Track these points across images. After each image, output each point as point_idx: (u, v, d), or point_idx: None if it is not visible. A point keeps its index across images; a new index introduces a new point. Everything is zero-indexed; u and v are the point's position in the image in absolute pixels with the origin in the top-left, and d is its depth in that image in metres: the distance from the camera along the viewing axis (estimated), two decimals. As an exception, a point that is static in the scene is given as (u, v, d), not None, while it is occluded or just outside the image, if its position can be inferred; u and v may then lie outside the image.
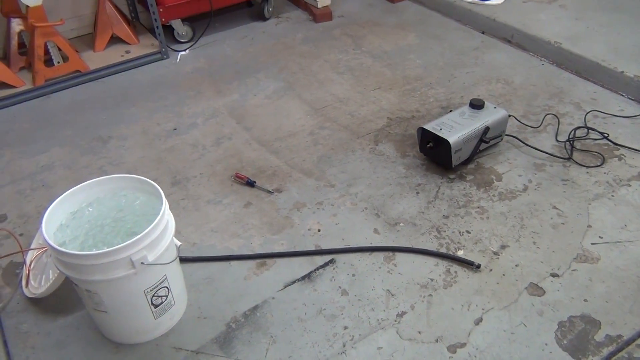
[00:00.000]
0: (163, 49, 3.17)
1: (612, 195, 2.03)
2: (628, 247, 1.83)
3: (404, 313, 1.64)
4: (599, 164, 2.19)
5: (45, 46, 2.89)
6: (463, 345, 1.55)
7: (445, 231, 1.92)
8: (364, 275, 1.78)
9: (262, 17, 3.62)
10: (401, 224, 1.96)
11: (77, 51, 3.10)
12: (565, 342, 1.54)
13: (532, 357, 1.51)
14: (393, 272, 1.78)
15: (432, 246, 1.87)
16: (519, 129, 2.41)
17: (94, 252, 1.33)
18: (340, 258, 1.84)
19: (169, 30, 3.30)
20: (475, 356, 1.52)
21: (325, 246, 1.89)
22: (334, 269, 1.80)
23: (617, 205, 1.99)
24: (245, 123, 2.57)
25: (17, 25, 2.97)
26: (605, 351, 1.52)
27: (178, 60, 3.19)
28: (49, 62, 2.96)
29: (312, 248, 1.88)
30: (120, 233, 1.55)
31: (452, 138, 2.06)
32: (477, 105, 2.23)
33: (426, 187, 2.13)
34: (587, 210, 1.97)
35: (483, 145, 2.18)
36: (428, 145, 2.16)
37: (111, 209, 1.58)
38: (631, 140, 2.30)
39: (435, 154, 2.19)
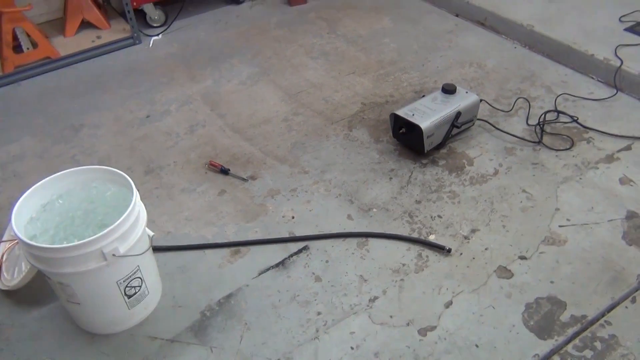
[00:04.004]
0: (135, 34, 3.12)
1: (580, 178, 2.08)
2: (594, 229, 1.88)
3: (376, 298, 1.67)
4: (568, 147, 2.23)
5: (14, 32, 2.83)
6: (433, 328, 1.59)
7: (417, 216, 1.95)
8: (337, 261, 1.80)
9: (236, 1, 3.58)
10: (374, 210, 1.99)
11: (46, 37, 3.05)
12: (532, 323, 1.59)
13: (500, 338, 1.55)
14: (366, 257, 1.81)
15: (405, 231, 1.90)
16: (491, 113, 2.44)
17: (65, 245, 1.33)
18: (314, 244, 1.86)
19: (140, 14, 3.25)
20: (445, 338, 1.56)
21: (299, 233, 1.90)
22: (307, 255, 1.82)
23: (584, 188, 2.03)
24: (219, 110, 2.56)
25: (-17, 10, 2.90)
26: (570, 331, 1.57)
27: (151, 45, 3.15)
28: (17, 48, 2.90)
29: (286, 235, 1.90)
30: (91, 225, 1.54)
31: (424, 124, 2.08)
32: (449, 90, 2.24)
33: (399, 172, 2.15)
34: (556, 194, 2.02)
35: (455, 130, 2.21)
36: (401, 131, 2.17)
37: (82, 200, 1.58)
38: (600, 123, 2.34)
39: (408, 139, 2.21)
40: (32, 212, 1.51)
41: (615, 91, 2.53)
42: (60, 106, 2.66)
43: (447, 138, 2.20)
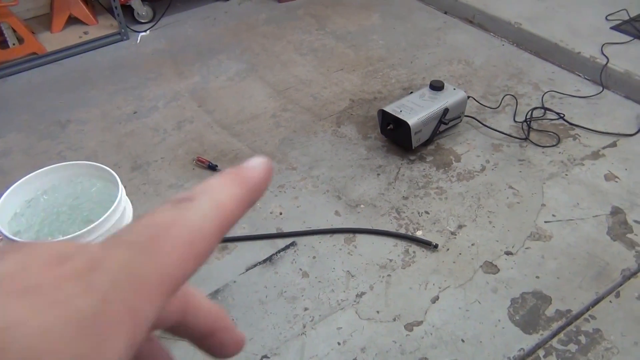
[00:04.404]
0: (122, 30, 3.10)
1: (566, 175, 2.09)
2: (579, 224, 1.89)
3: (363, 293, 1.68)
4: (554, 143, 2.25)
5: (-1, 27, 2.81)
6: (420, 323, 1.59)
7: (404, 212, 1.96)
8: (324, 257, 1.80)
9: (224, -3, 3.57)
10: (362, 206, 1.99)
11: (33, 32, 3.02)
12: (517, 317, 1.60)
13: (486, 333, 1.56)
14: (353, 253, 1.81)
15: (392, 227, 1.90)
16: (478, 109, 2.45)
17: (50, 241, 1.32)
18: (302, 240, 1.86)
19: (128, 10, 3.23)
20: (431, 333, 1.56)
21: (286, 229, 1.90)
22: (295, 251, 1.83)
23: (570, 184, 2.05)
24: (207, 106, 2.56)
25: (-32, 5, 2.87)
26: (555, 325, 1.58)
27: (138, 41, 3.13)
28: (3, 44, 2.87)
29: (274, 231, 1.90)
30: (77, 221, 1.53)
31: (412, 120, 2.09)
32: (436, 86, 2.25)
33: (387, 168, 2.15)
34: (542, 190, 2.03)
35: (442, 127, 2.22)
36: (388, 127, 2.18)
37: (67, 196, 1.56)
38: (586, 120, 2.36)
39: (395, 135, 2.21)
40: (16, 208, 1.49)
41: (601, 89, 2.55)
42: (46, 102, 2.64)
43: (435, 134, 2.21)
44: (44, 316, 0.17)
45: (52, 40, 3.06)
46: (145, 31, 3.21)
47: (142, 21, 3.29)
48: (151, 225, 0.21)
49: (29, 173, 1.53)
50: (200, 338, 0.29)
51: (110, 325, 0.18)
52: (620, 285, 1.69)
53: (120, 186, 1.47)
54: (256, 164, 0.26)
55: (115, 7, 3.02)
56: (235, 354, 0.30)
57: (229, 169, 0.26)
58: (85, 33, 3.12)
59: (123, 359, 0.19)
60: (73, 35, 3.10)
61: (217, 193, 0.24)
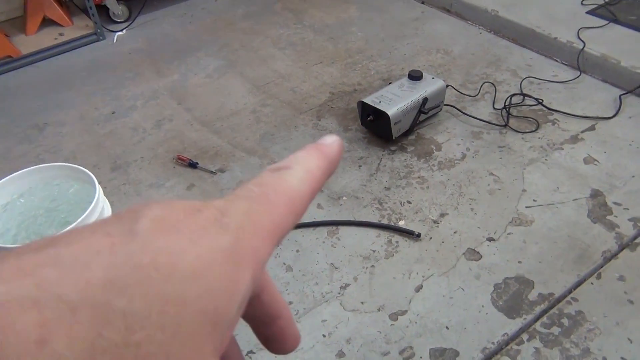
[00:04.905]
0: (98, 30, 3.07)
1: (546, 159, 2.11)
2: (560, 208, 1.91)
3: (347, 285, 1.68)
4: (533, 129, 2.26)
5: (-28, 31, 2.76)
6: (404, 312, 1.60)
7: (386, 202, 1.96)
8: (308, 250, 1.80)
9: (201, -6, 3.54)
10: (344, 198, 1.99)
11: (7, 35, 2.98)
12: (500, 303, 1.61)
13: (470, 319, 1.57)
14: (336, 245, 1.81)
15: (374, 218, 1.90)
16: (458, 98, 2.46)
17: (26, 244, 1.30)
18: (284, 235, 1.85)
19: (103, 10, 3.19)
20: (415, 322, 1.57)
21: (269, 224, 1.90)
22: (278, 245, 1.81)
23: (550, 169, 2.07)
24: (186, 104, 2.54)
25: (-61, 9, 2.83)
26: (538, 309, 1.59)
27: (115, 41, 3.10)
28: (-24, 47, 2.83)
29: (256, 226, 1.89)
30: (54, 223, 1.52)
31: (391, 110, 2.09)
32: (415, 76, 2.25)
33: (368, 160, 2.16)
34: (522, 175, 2.04)
35: (422, 116, 2.22)
36: (368, 119, 2.18)
37: (44, 199, 1.54)
38: (564, 104, 2.38)
39: (376, 126, 2.21)
40: (-8, 212, 1.47)
41: (578, 73, 2.57)
42: (23, 105, 2.60)
43: (415, 124, 2.21)
44: (197, 247, 0.21)
45: (27, 42, 3.01)
46: (121, 30, 3.18)
47: (118, 20, 3.25)
48: (261, 184, 0.25)
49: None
50: (266, 322, 0.31)
51: (242, 259, 0.22)
52: (602, 266, 1.70)
53: (98, 187, 1.45)
54: (332, 141, 0.30)
55: (90, 7, 2.98)
56: (291, 349, 0.32)
57: (310, 145, 0.29)
58: (61, 34, 3.08)
59: (249, 290, 0.22)
60: (48, 37, 3.06)
61: (307, 163, 0.28)
